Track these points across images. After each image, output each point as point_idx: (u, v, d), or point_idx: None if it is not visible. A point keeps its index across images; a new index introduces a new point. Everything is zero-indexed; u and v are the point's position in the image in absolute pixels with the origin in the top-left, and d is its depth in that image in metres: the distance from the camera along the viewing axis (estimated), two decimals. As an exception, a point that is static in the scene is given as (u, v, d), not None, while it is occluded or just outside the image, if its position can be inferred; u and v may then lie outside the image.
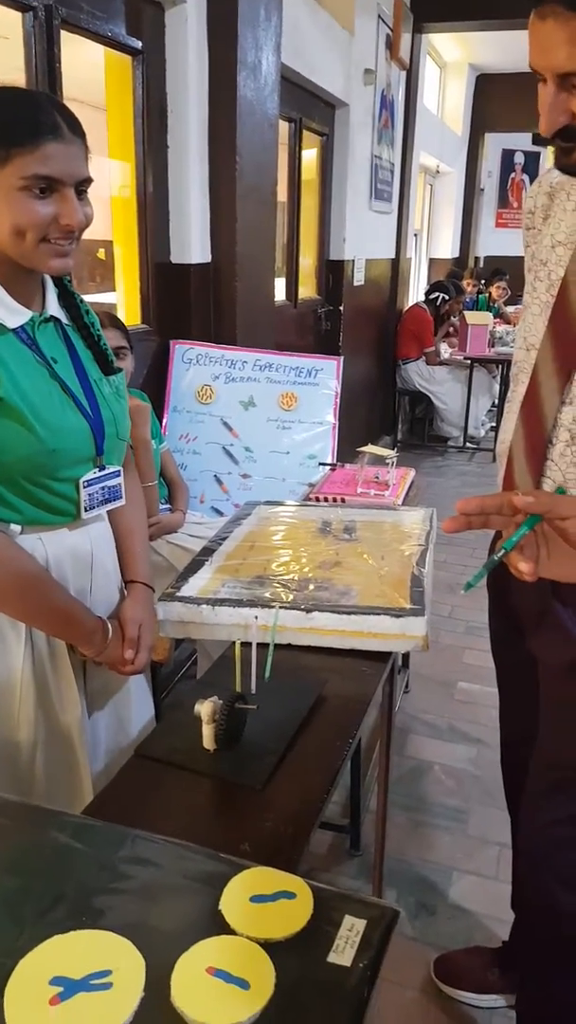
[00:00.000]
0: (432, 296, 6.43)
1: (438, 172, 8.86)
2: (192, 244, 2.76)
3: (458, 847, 2.03)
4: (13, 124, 0.98)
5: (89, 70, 2.49)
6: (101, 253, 3.23)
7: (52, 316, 1.13)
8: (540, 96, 1.04)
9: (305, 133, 4.03)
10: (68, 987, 0.70)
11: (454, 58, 8.45)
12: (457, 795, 2.23)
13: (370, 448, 2.51)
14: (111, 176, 2.65)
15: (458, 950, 1.71)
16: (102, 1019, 0.67)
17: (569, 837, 1.26)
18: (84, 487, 1.14)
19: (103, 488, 1.18)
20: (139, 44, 2.46)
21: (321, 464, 2.67)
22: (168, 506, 2.40)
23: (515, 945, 1.62)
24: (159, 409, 2.73)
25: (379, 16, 4.65)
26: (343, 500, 2.17)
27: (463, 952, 1.70)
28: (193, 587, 1.47)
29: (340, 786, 2.10)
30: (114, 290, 2.81)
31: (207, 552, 1.65)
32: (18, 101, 1.01)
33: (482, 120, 9.43)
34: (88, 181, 1.04)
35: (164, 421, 2.75)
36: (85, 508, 1.15)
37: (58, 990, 0.70)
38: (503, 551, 0.80)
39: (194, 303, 2.83)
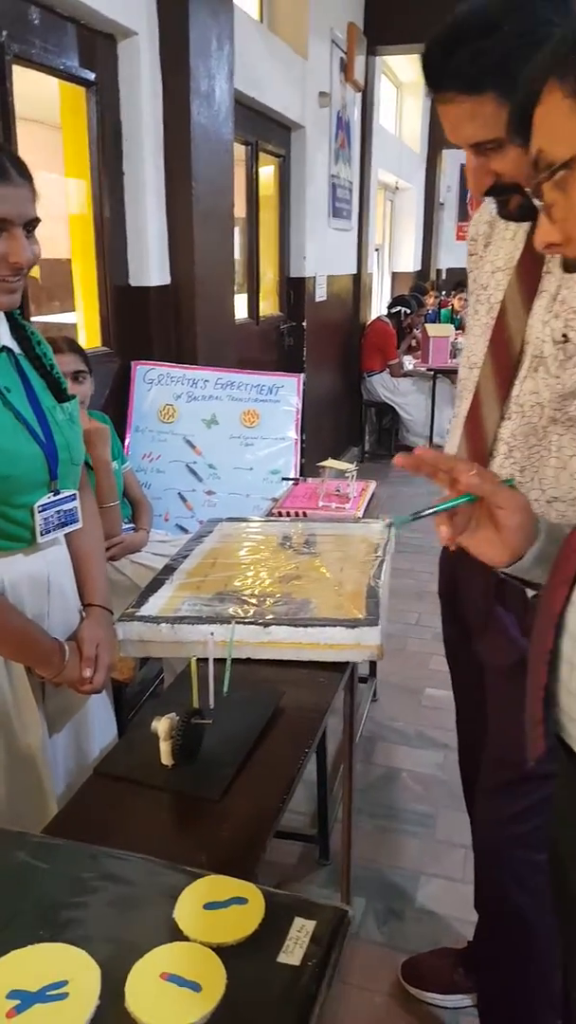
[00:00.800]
0: (394, 310, 6.55)
1: (397, 188, 9.02)
2: (151, 266, 2.80)
3: (426, 851, 2.07)
4: None
5: (45, 89, 2.52)
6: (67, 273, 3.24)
7: (4, 346, 1.17)
8: (466, 164, 1.14)
9: (262, 155, 4.10)
10: (25, 999, 0.73)
11: (410, 78, 8.63)
12: (425, 800, 2.27)
13: (330, 463, 2.56)
14: (68, 195, 2.68)
15: (424, 952, 1.74)
16: (58, 1027, 0.70)
17: (520, 835, 1.31)
18: (39, 512, 1.17)
19: (58, 512, 1.21)
20: (92, 76, 2.51)
21: (284, 479, 2.71)
22: (132, 525, 2.43)
23: (478, 945, 1.66)
24: (121, 429, 2.76)
25: (332, 41, 4.75)
26: (305, 514, 2.21)
27: (429, 954, 1.73)
28: (153, 606, 1.50)
29: (308, 797, 2.14)
30: (74, 310, 2.84)
31: (168, 570, 1.68)
32: None
33: (440, 137, 9.61)
34: (36, 221, 1.10)
35: (126, 441, 2.78)
36: (41, 532, 1.18)
37: (15, 1003, 0.72)
38: (436, 509, 0.83)
39: (154, 324, 2.87)
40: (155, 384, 2.80)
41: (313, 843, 2.07)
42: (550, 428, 1.16)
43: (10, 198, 1.05)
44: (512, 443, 1.20)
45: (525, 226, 1.21)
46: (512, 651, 1.25)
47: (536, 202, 0.77)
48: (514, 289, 1.21)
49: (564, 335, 1.11)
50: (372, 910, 1.88)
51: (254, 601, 1.52)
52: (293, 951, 0.78)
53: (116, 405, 2.79)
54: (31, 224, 1.09)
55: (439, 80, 1.09)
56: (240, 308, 3.90)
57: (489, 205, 1.27)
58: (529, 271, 1.19)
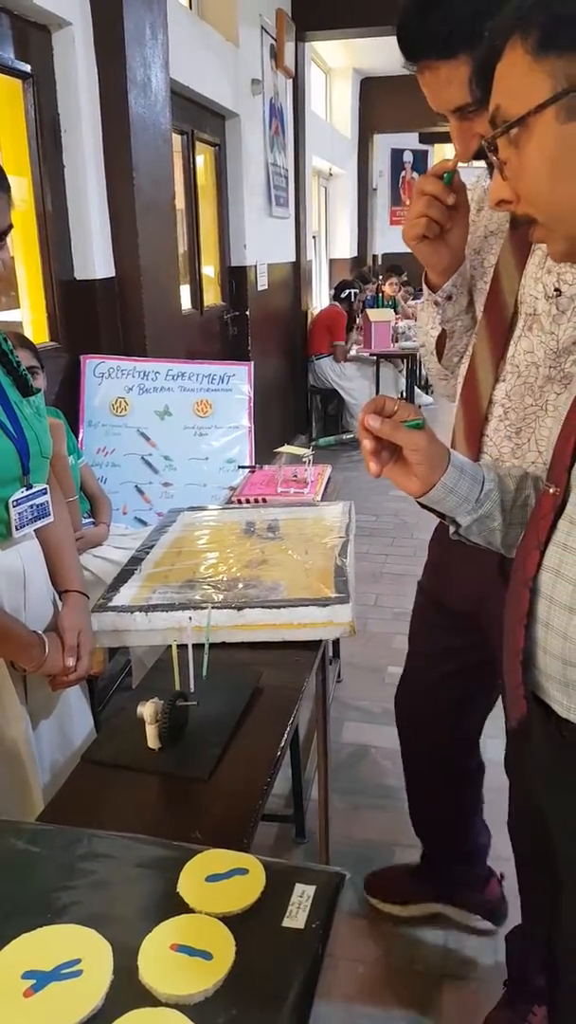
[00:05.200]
0: (344, 294, 6.59)
1: (331, 175, 9.05)
2: (95, 259, 2.77)
3: (397, 824, 2.12)
4: None
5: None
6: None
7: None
8: (451, 131, 1.16)
9: (198, 144, 4.08)
10: (40, 979, 0.74)
11: (339, 64, 8.65)
12: (393, 774, 2.33)
13: (286, 448, 2.59)
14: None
15: (383, 868, 1.92)
16: (76, 1003, 0.72)
17: None
18: (14, 506, 1.17)
19: (32, 506, 1.21)
20: (28, 68, 2.46)
21: (240, 467, 2.73)
22: (91, 520, 2.41)
23: (429, 863, 1.84)
24: (74, 424, 2.73)
25: (262, 27, 4.74)
26: (264, 500, 2.24)
27: (388, 869, 1.92)
28: (125, 596, 1.51)
29: (282, 777, 2.17)
30: (18, 307, 2.80)
31: (135, 562, 1.68)
32: None
33: (369, 122, 9.68)
34: (10, 228, 1.09)
35: (80, 436, 2.75)
36: (16, 527, 1.18)
37: (31, 983, 0.74)
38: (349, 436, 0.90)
39: (102, 317, 2.85)
40: (105, 377, 2.78)
41: (289, 823, 2.11)
42: (546, 387, 1.20)
43: None
44: (507, 404, 1.24)
45: None
46: None
47: (492, 158, 0.79)
48: (507, 251, 1.24)
49: (557, 288, 1.15)
50: (350, 883, 1.92)
51: (224, 587, 1.54)
52: (296, 915, 0.82)
53: (67, 400, 2.76)
54: (3, 232, 1.09)
55: (415, 48, 1.11)
56: (184, 299, 3.88)
57: (483, 173, 1.30)
58: (521, 232, 1.20)
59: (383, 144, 10.74)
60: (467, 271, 1.31)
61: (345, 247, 9.54)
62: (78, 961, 0.76)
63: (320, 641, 1.46)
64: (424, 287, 1.31)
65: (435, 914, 1.83)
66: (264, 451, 3.14)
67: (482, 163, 1.23)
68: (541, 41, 0.70)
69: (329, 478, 2.51)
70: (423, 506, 0.94)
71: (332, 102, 8.83)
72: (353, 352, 6.50)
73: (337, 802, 2.21)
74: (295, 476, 2.40)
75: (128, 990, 0.74)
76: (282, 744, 1.15)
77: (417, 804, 1.79)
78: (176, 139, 3.68)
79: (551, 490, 0.81)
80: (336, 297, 6.66)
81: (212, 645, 1.36)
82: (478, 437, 1.28)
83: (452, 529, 0.96)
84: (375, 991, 1.68)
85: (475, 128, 1.13)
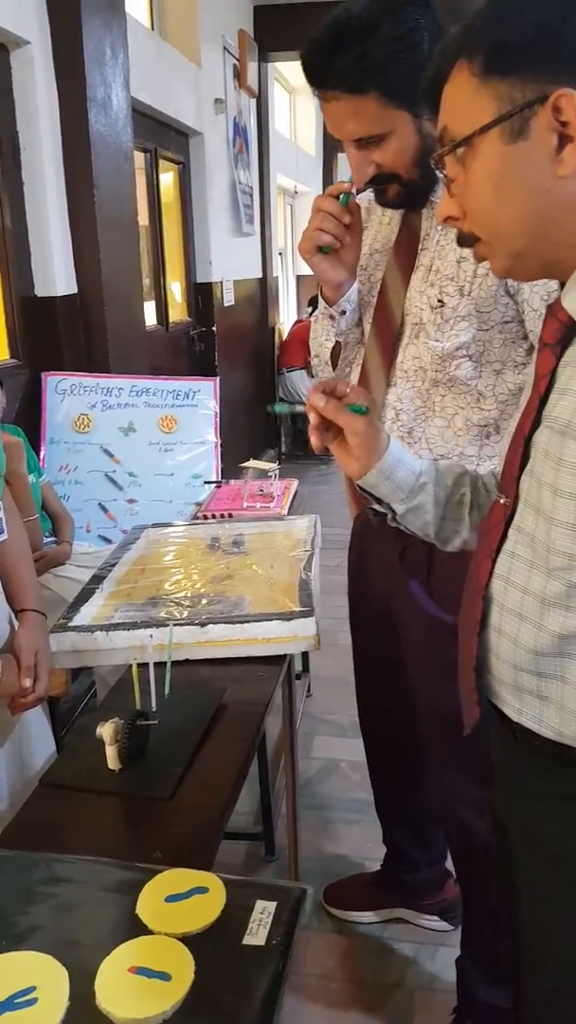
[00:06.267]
0: None
1: (296, 192, 9.13)
2: (56, 276, 2.76)
3: (368, 837, 2.11)
4: None
5: None
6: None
7: None
8: (349, 157, 1.24)
9: (162, 162, 4.10)
10: (-7, 1009, 0.72)
11: (302, 83, 8.56)
12: (363, 787, 2.31)
13: (252, 463, 2.59)
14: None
15: (342, 879, 1.93)
16: (30, 1032, 0.70)
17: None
18: (-33, 526, 1.15)
19: (-14, 525, 1.19)
20: (-15, 85, 2.46)
21: (206, 483, 2.72)
22: (53, 539, 2.39)
23: (387, 870, 1.87)
24: (35, 442, 2.71)
25: (224, 48, 4.78)
26: (230, 515, 2.23)
27: (347, 880, 1.93)
28: (85, 616, 1.49)
29: (250, 795, 2.16)
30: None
31: (97, 580, 1.67)
32: None
33: (333, 140, 9.64)
34: None
35: (41, 454, 2.73)
36: (-30, 547, 1.16)
37: (-17, 1013, 0.72)
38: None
39: (63, 334, 2.83)
40: (68, 394, 2.76)
41: (258, 840, 2.09)
42: (432, 391, 1.29)
43: None
44: (398, 407, 1.32)
45: (400, 211, 1.33)
46: (419, 614, 1.37)
47: (439, 175, 0.82)
48: (392, 267, 1.33)
49: (439, 300, 1.24)
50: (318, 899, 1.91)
51: (188, 603, 1.53)
52: (257, 932, 0.81)
53: (28, 418, 2.74)
54: None
55: (323, 80, 1.17)
56: (149, 315, 3.88)
57: (365, 193, 1.36)
58: (406, 250, 1.31)
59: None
60: (358, 286, 1.39)
61: (311, 263, 9.60)
62: (33, 989, 0.74)
63: (285, 655, 1.45)
64: (320, 301, 1.40)
65: (396, 919, 1.85)
66: (233, 466, 3.14)
67: (370, 194, 1.32)
68: (486, 65, 0.73)
69: (296, 492, 2.51)
70: (362, 491, 0.99)
71: (296, 121, 8.93)
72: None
73: (308, 817, 2.19)
74: (261, 491, 2.40)
75: (85, 1016, 0.72)
76: (245, 762, 1.14)
77: (381, 801, 1.85)
78: (139, 157, 3.69)
79: (501, 500, 0.82)
80: (312, 314, 6.71)
81: (176, 662, 1.35)
82: None
83: (390, 516, 1.01)
84: (347, 1007, 1.67)
85: (372, 156, 1.20)
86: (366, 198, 1.37)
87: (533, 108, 0.70)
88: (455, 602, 0.92)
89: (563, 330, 0.76)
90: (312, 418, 0.95)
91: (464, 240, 0.81)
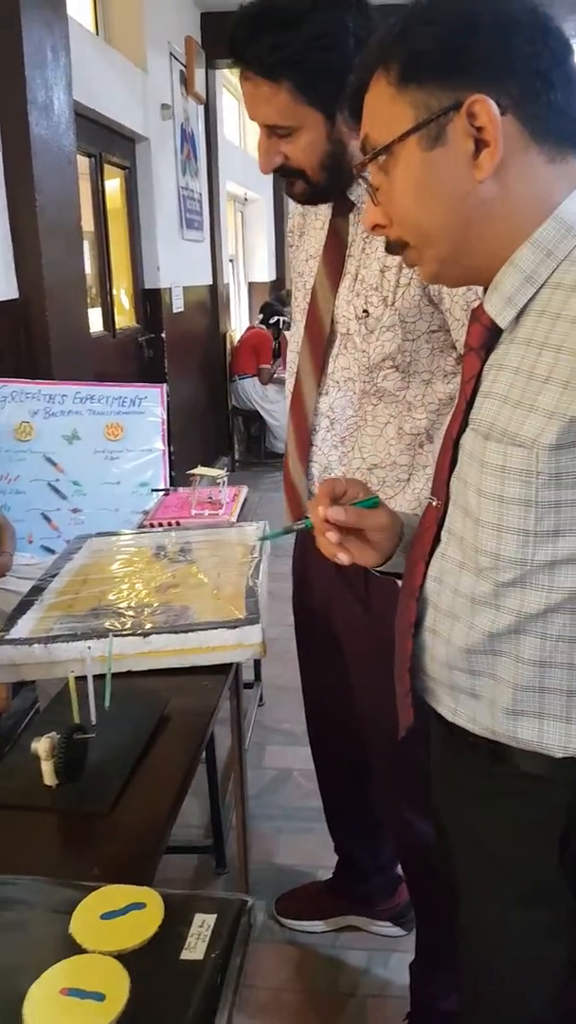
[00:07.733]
0: (273, 320, 6.68)
1: (247, 200, 9.15)
2: (-4, 281, 2.71)
3: (320, 846, 2.10)
4: None
5: None
6: None
7: None
8: (259, 142, 1.24)
9: (107, 167, 4.06)
10: None
11: (250, 91, 8.76)
12: (315, 796, 2.29)
13: (201, 470, 2.57)
14: None
15: (293, 889, 1.92)
16: (-47, 1063, 0.67)
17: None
18: None
19: None
20: None
21: (154, 491, 2.69)
22: (-5, 550, 2.33)
23: (338, 878, 1.88)
24: (-23, 451, 2.64)
25: (171, 54, 4.77)
26: (178, 523, 2.21)
27: (297, 890, 1.92)
28: (23, 628, 1.45)
29: (201, 808, 2.13)
30: None
31: (36, 591, 1.63)
32: None
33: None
34: None
35: (-17, 463, 2.67)
36: None
37: None
38: (306, 526, 0.91)
39: (3, 340, 2.78)
40: (8, 401, 2.70)
41: (209, 853, 2.07)
42: (363, 400, 1.28)
43: None
44: (332, 416, 1.32)
45: (331, 215, 1.32)
46: (357, 621, 1.38)
47: (363, 184, 0.82)
48: (322, 274, 1.32)
49: (365, 310, 1.23)
50: (271, 909, 1.89)
51: (131, 613, 1.51)
52: (195, 946, 0.79)
53: (-30, 426, 2.68)
54: None
55: (239, 56, 1.17)
56: (95, 321, 3.83)
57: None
58: (333, 256, 1.30)
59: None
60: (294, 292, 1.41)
61: (263, 270, 9.64)
62: (-44, 1018, 0.71)
63: (231, 664, 1.44)
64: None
65: (349, 927, 1.85)
66: (184, 474, 3.11)
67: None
68: (402, 74, 0.74)
69: (246, 499, 2.50)
70: (380, 572, 0.94)
71: (246, 128, 8.94)
72: (277, 374, 6.58)
73: (261, 828, 2.18)
74: (210, 498, 2.38)
75: (13, 1044, 0.70)
76: (187, 774, 1.12)
77: (330, 807, 1.85)
78: (83, 161, 3.65)
79: (434, 503, 0.83)
80: (264, 322, 6.74)
81: (118, 674, 1.32)
82: (307, 446, 1.36)
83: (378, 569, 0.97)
84: (300, 1017, 1.65)
85: (280, 146, 1.21)
86: (302, 207, 1.37)
87: (449, 115, 0.72)
88: (392, 609, 0.92)
89: (486, 334, 0.76)
90: (333, 536, 0.86)
91: (393, 247, 0.81)
